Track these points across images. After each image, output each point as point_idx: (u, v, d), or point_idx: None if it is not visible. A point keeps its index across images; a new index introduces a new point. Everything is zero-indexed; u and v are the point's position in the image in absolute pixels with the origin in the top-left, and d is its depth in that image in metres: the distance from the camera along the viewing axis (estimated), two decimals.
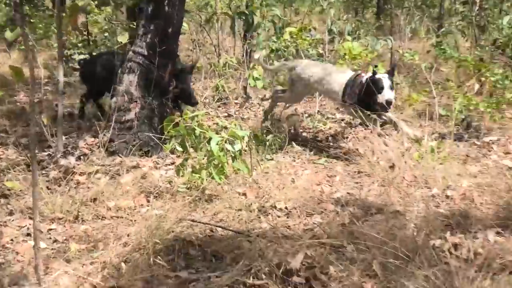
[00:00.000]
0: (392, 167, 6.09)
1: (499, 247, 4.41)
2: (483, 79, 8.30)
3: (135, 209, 5.20)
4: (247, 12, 7.13)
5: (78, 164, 6.17)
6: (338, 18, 10.61)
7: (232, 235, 4.62)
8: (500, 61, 9.96)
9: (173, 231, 4.59)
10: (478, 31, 11.01)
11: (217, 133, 5.43)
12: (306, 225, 4.87)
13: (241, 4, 11.06)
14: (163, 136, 5.85)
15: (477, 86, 8.56)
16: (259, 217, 5.01)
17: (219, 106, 9.14)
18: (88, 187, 5.54)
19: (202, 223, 4.79)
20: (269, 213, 5.08)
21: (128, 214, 5.01)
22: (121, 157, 6.39)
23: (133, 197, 5.39)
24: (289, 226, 4.85)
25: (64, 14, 6.44)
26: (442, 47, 10.37)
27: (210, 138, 5.28)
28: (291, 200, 5.29)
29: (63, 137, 6.71)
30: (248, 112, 9.12)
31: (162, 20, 6.50)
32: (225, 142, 5.31)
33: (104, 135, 6.57)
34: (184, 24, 10.93)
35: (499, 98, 7.49)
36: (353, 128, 7.62)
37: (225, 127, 5.47)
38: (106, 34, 10.72)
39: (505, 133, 7.49)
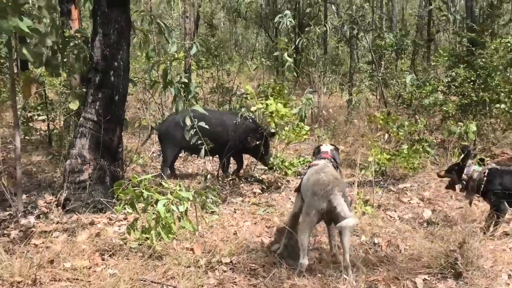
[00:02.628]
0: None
1: None
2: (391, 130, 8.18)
3: (91, 268, 4.66)
4: (186, 81, 6.74)
5: (37, 223, 5.63)
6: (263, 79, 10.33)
7: None
8: (406, 114, 9.91)
9: None
10: (383, 87, 10.97)
11: (163, 195, 4.99)
12: (250, 280, 4.44)
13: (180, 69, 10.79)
14: (116, 195, 5.38)
15: (386, 136, 8.45)
16: (207, 273, 4.57)
17: None
18: (47, 247, 4.97)
19: (154, 282, 4.30)
20: (216, 269, 4.63)
21: (83, 275, 4.48)
22: (77, 214, 5.95)
23: (88, 256, 4.86)
24: (235, 281, 4.42)
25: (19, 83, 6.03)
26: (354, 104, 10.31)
27: (157, 200, 4.85)
28: (235, 254, 4.86)
29: (23, 195, 6.22)
30: (191, 166, 8.70)
31: (109, 89, 6.19)
32: (171, 203, 4.88)
33: (61, 194, 6.06)
34: (131, 86, 10.54)
35: (410, 153, 7.29)
36: (285, 179, 7.24)
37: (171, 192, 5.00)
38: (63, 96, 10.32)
39: (416, 179, 7.28)
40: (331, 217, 4.42)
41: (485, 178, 5.57)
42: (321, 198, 4.35)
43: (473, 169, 5.72)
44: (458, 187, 5.81)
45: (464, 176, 5.71)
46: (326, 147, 5.24)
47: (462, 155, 5.96)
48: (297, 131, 7.20)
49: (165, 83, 6.53)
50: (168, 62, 7.02)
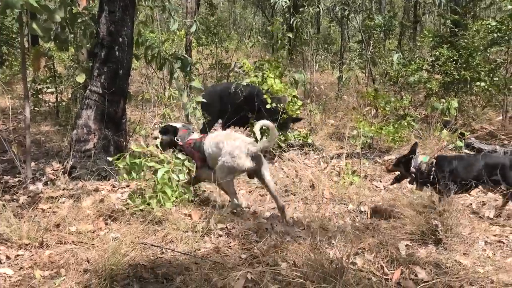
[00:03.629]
0: (312, 186, 5.72)
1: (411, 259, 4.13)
2: (378, 105, 8.14)
3: (94, 232, 4.63)
4: (181, 57, 6.65)
5: (45, 189, 5.60)
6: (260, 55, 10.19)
7: (181, 256, 4.13)
8: (392, 91, 9.84)
9: (128, 255, 4.07)
10: (372, 65, 10.88)
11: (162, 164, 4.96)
12: (244, 244, 4.42)
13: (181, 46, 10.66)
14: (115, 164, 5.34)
15: (374, 111, 8.40)
16: (203, 237, 4.54)
17: None
18: (54, 212, 4.92)
19: (154, 245, 4.27)
20: (213, 233, 4.60)
21: (88, 238, 4.44)
22: (82, 181, 5.91)
23: (92, 221, 4.83)
24: (230, 245, 4.39)
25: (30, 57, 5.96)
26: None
27: (157, 169, 4.81)
28: (231, 220, 4.82)
29: (32, 163, 6.18)
30: None
31: (114, 63, 6.14)
32: (171, 171, 4.85)
33: (67, 162, 6.02)
34: (135, 61, 10.42)
35: (396, 126, 7.24)
36: (279, 150, 7.18)
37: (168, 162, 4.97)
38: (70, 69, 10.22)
39: (401, 152, 7.24)
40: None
41: (433, 168, 5.16)
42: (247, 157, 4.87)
43: (421, 160, 5.28)
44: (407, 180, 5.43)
45: (412, 169, 5.26)
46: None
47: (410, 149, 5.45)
48: (290, 106, 7.13)
49: (159, 64, 6.48)
50: (161, 43, 6.92)
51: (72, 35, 6.31)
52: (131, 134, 7.49)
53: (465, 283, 3.78)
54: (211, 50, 13.27)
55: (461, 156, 5.52)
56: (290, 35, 10.82)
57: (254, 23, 22.41)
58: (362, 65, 11.50)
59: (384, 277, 3.71)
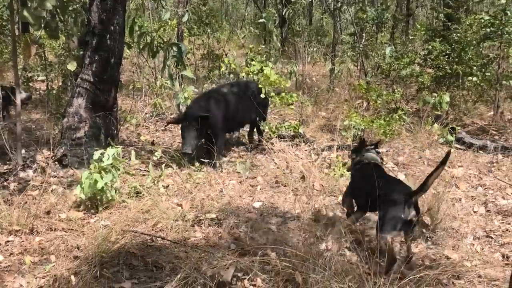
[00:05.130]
0: (303, 177, 5.76)
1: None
2: (370, 98, 8.17)
3: (85, 220, 4.67)
4: (177, 43, 6.65)
5: (35, 176, 5.61)
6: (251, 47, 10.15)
7: (171, 244, 4.16)
8: (384, 84, 9.87)
9: (118, 242, 4.10)
10: (364, 58, 10.91)
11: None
12: (234, 234, 4.45)
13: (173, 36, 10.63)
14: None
15: (365, 104, 8.44)
16: (194, 226, 4.58)
17: (157, 121, 8.62)
18: (44, 199, 4.93)
19: (144, 234, 4.30)
20: (202, 223, 4.63)
21: (78, 225, 4.48)
22: (73, 169, 5.95)
23: (83, 208, 4.85)
24: (220, 235, 4.42)
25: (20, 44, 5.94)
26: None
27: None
28: (221, 210, 4.85)
29: (23, 150, 6.18)
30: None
31: (105, 52, 6.13)
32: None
33: (58, 150, 6.02)
34: (127, 50, 10.39)
35: (387, 119, 7.27)
36: (270, 141, 7.20)
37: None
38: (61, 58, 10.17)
39: (392, 145, 7.29)
40: None
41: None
42: None
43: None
44: None
45: None
46: None
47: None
48: (286, 98, 7.15)
49: (153, 52, 6.47)
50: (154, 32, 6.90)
51: (63, 23, 6.29)
52: (122, 123, 7.49)
53: (453, 277, 3.84)
54: (203, 40, 13.22)
55: None
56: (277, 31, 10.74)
57: (246, 14, 22.35)
58: (354, 57, 11.51)
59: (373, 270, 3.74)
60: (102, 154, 4.98)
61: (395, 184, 4.24)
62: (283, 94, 7.25)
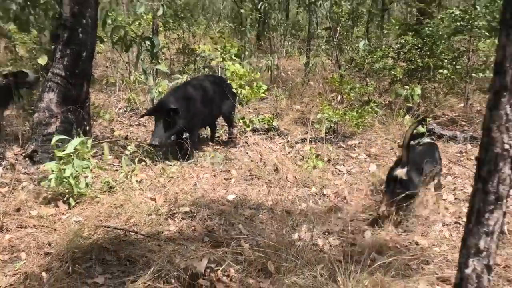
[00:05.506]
0: (276, 170, 5.81)
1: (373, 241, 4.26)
2: (343, 91, 8.24)
3: (56, 216, 4.63)
4: (150, 37, 6.65)
5: (5, 173, 5.54)
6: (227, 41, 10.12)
7: (144, 239, 4.17)
8: (357, 77, 9.96)
9: (90, 238, 4.10)
10: (338, 52, 10.98)
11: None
12: (208, 226, 4.48)
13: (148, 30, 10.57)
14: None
15: (339, 98, 8.50)
16: (167, 220, 4.59)
17: (131, 116, 8.57)
18: (14, 196, 4.88)
19: (117, 228, 4.30)
20: (176, 216, 4.65)
21: (49, 222, 4.44)
22: (44, 165, 5.75)
23: (54, 205, 4.81)
24: (194, 228, 4.45)
25: None
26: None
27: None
28: (194, 204, 4.87)
29: None
30: None
31: (77, 45, 6.05)
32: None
33: (28, 146, 5.95)
34: (101, 45, 10.30)
35: (360, 111, 7.35)
36: (243, 134, 7.21)
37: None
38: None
39: (364, 137, 7.37)
40: None
41: None
42: None
43: None
44: None
45: None
46: None
47: None
48: (255, 90, 7.17)
49: (126, 46, 6.44)
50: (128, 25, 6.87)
51: (34, 16, 6.22)
52: (95, 118, 7.44)
53: (422, 262, 3.93)
54: (178, 35, 13.16)
55: None
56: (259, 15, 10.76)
57: (222, 8, 22.30)
58: (329, 51, 11.58)
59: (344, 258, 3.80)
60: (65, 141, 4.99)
61: None
62: (254, 86, 7.26)
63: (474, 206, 2.31)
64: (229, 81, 7.06)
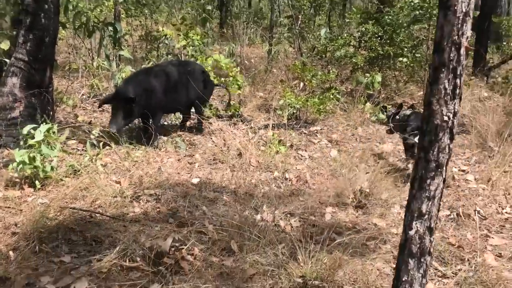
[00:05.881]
0: (240, 154, 5.92)
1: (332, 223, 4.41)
2: (305, 79, 8.39)
3: (22, 198, 4.65)
4: (113, 23, 6.67)
5: None
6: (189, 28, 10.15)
7: (109, 220, 4.24)
8: (319, 65, 10.13)
9: (56, 219, 4.14)
10: (301, 40, 11.13)
11: None
12: (172, 208, 4.57)
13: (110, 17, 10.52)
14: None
15: (301, 85, 8.65)
16: (132, 202, 4.66)
17: (94, 102, 8.54)
18: None
19: (82, 210, 4.35)
20: (141, 199, 4.72)
21: (15, 204, 4.47)
22: (8, 149, 5.82)
23: (19, 187, 4.83)
24: (159, 210, 4.53)
25: None
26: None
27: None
28: (159, 186, 4.95)
29: None
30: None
31: (40, 31, 6.04)
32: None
33: None
34: (63, 31, 10.21)
35: (321, 98, 7.52)
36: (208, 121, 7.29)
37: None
38: None
39: (326, 123, 7.54)
40: None
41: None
42: None
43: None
44: None
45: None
46: None
47: None
48: (233, 82, 7.27)
49: (88, 32, 6.43)
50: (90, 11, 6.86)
51: None
52: (58, 104, 7.41)
53: (380, 241, 4.10)
54: (140, 22, 13.10)
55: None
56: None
57: None
58: (291, 39, 11.73)
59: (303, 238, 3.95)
60: (33, 129, 4.98)
61: None
62: (230, 77, 7.35)
63: (417, 174, 2.50)
64: (205, 70, 7.10)
